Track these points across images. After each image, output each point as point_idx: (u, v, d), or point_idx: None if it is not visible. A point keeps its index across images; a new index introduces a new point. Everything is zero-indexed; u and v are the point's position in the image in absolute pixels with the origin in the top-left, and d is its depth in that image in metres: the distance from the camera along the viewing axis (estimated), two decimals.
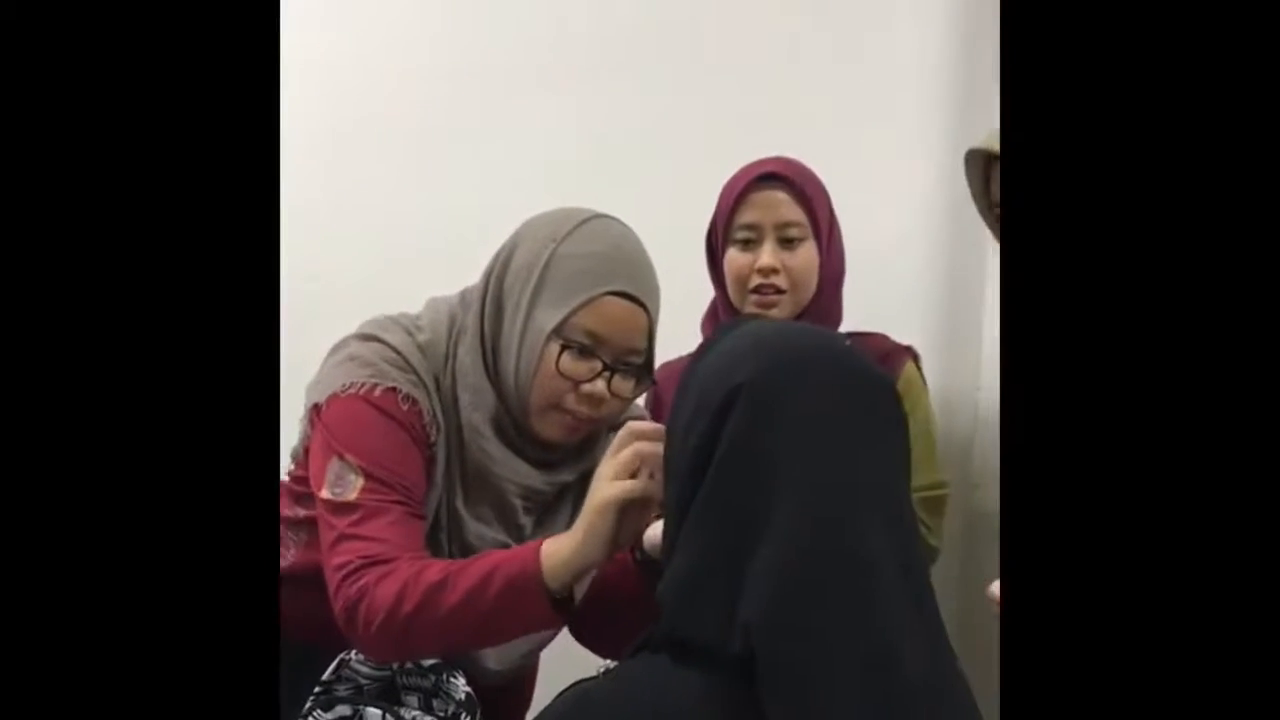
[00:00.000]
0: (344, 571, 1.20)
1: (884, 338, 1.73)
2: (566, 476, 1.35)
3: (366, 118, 2.10)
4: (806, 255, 1.66)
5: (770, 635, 0.79)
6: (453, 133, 2.10)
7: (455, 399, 1.30)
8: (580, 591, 1.18)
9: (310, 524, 1.28)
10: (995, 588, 1.28)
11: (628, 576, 1.22)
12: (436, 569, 1.17)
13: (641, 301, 1.28)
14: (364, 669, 1.29)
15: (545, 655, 1.42)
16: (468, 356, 1.30)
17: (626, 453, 1.11)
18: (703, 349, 0.96)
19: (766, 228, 1.65)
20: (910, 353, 1.73)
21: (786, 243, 1.65)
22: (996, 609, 1.27)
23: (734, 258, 1.67)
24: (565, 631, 1.30)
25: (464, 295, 1.36)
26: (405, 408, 1.27)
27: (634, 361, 1.29)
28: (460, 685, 1.29)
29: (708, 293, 1.74)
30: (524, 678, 1.45)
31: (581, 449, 1.35)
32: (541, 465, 1.33)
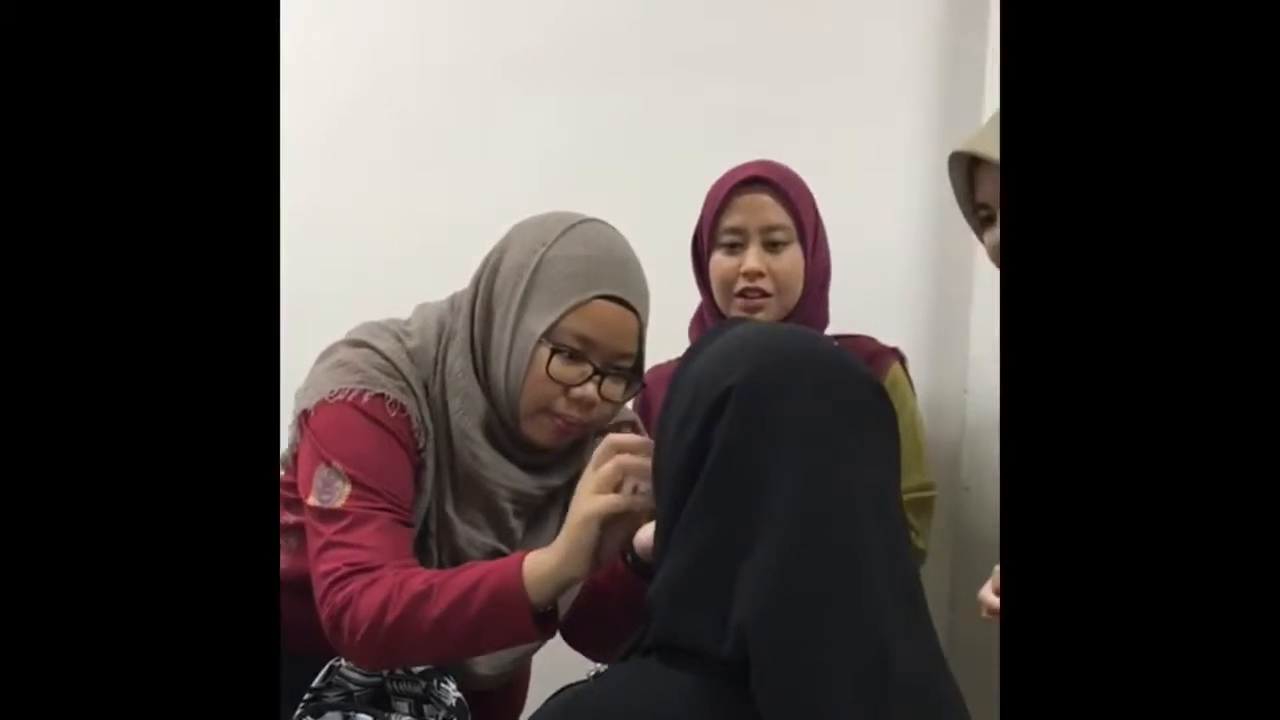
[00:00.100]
0: (330, 578, 1.20)
1: (870, 339, 1.74)
2: (557, 480, 1.35)
3: (349, 123, 2.10)
4: (792, 258, 1.66)
5: (765, 637, 0.79)
6: (439, 139, 2.09)
7: (445, 404, 1.30)
8: (565, 605, 1.18)
9: (300, 530, 1.28)
10: (986, 591, 1.28)
11: (619, 579, 1.22)
12: (421, 579, 1.17)
13: (631, 305, 1.28)
14: (354, 675, 1.29)
15: (537, 659, 1.42)
16: (457, 361, 1.30)
17: (609, 466, 1.11)
18: (691, 352, 0.96)
19: (751, 231, 1.65)
20: (896, 354, 1.74)
21: (772, 246, 1.65)
22: (986, 613, 1.28)
23: (719, 261, 1.67)
24: (558, 635, 1.30)
25: (453, 300, 1.36)
26: (393, 414, 1.27)
27: (624, 365, 1.30)
28: (451, 691, 1.29)
29: (698, 296, 1.75)
30: (516, 682, 1.45)
31: (571, 453, 1.35)
32: (532, 469, 1.33)
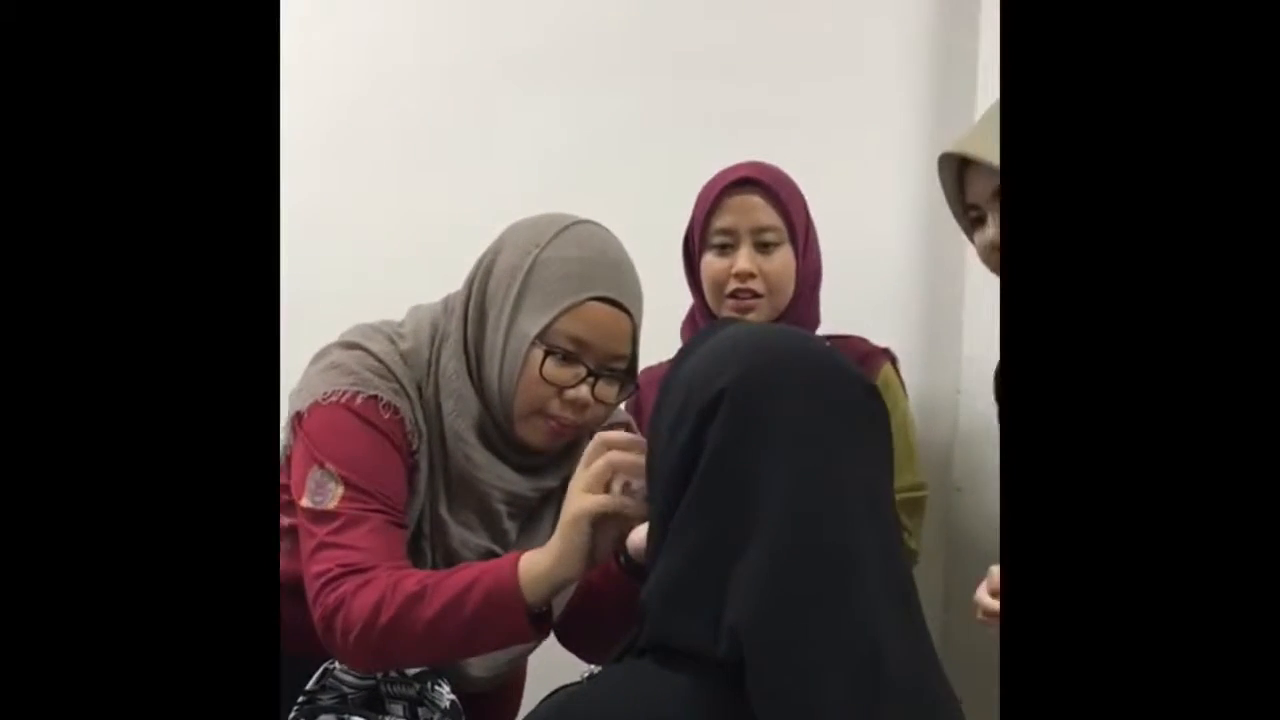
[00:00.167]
0: (323, 579, 1.20)
1: (862, 340, 1.74)
2: (550, 482, 1.35)
3: (349, 123, 2.09)
4: (783, 259, 1.66)
5: (758, 638, 0.79)
6: (439, 139, 2.09)
7: (438, 406, 1.30)
8: (560, 605, 1.18)
9: (294, 532, 1.28)
10: (982, 593, 1.28)
11: (613, 581, 1.22)
12: (414, 580, 1.17)
13: (625, 306, 1.28)
14: (348, 678, 1.29)
15: (531, 661, 1.41)
16: (451, 363, 1.30)
17: (599, 464, 1.11)
18: (683, 354, 0.96)
19: (742, 232, 1.65)
20: (888, 355, 1.74)
21: (763, 247, 1.66)
22: (981, 615, 1.28)
23: (710, 262, 1.68)
24: (552, 637, 1.30)
25: (447, 302, 1.36)
26: (387, 416, 1.27)
27: (617, 367, 1.30)
28: (445, 693, 1.29)
29: (690, 297, 1.75)
30: (510, 685, 1.45)
31: (565, 454, 1.35)
32: (525, 471, 1.33)
